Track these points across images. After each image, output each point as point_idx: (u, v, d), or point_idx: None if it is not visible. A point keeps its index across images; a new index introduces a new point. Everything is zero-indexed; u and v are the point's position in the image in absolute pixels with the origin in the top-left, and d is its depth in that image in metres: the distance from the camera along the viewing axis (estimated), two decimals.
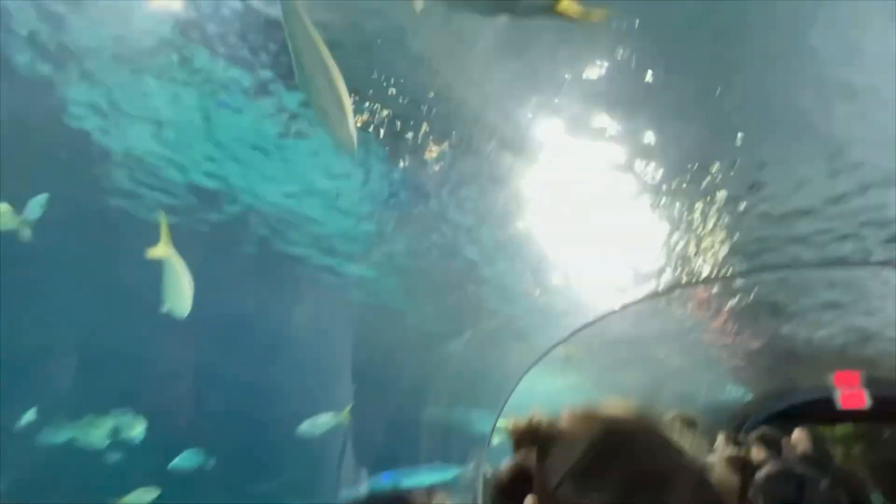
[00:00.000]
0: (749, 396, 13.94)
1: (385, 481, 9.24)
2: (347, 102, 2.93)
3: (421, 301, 11.69)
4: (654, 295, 8.79)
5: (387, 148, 6.77)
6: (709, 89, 5.01)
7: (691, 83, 5.06)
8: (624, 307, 9.11)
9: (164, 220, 3.69)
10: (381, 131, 6.36)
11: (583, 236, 7.81)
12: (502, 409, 11.46)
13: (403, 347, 13.21)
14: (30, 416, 7.48)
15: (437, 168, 6.94)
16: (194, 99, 6.03)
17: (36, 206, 5.79)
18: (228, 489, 9.88)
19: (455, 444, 11.91)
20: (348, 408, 8.67)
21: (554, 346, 10.75)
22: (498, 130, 6.12)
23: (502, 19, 4.20)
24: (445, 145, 6.51)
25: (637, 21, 4.42)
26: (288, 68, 4.04)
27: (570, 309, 9.90)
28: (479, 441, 12.09)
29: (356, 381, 12.53)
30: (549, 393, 15.76)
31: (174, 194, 7.46)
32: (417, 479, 9.35)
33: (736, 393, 14.03)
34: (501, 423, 11.93)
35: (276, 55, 5.19)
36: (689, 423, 3.73)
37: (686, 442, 0.93)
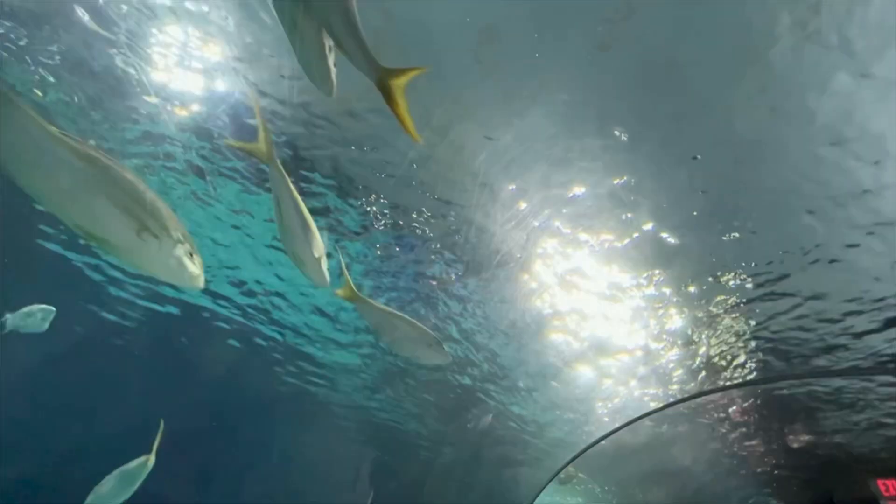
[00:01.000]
0: None
1: None
2: (321, 250, 2.98)
3: (427, 422, 10.84)
4: (674, 404, 8.10)
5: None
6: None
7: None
8: (644, 416, 8.34)
9: None
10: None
11: (595, 348, 7.37)
12: None
13: (403, 471, 12.08)
14: None
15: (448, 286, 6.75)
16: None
17: None
18: None
19: None
20: None
21: (567, 464, 9.70)
22: (504, 250, 6.01)
23: None
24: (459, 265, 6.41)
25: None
26: None
27: (584, 421, 9.08)
28: None
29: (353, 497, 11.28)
30: None
31: None
32: None
33: None
34: None
35: None
36: None
37: None
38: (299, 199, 2.79)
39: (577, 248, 5.87)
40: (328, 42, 2.41)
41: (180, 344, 8.84)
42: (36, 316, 5.53)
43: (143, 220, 2.01)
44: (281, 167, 2.68)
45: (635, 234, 5.57)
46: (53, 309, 5.61)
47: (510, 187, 5.21)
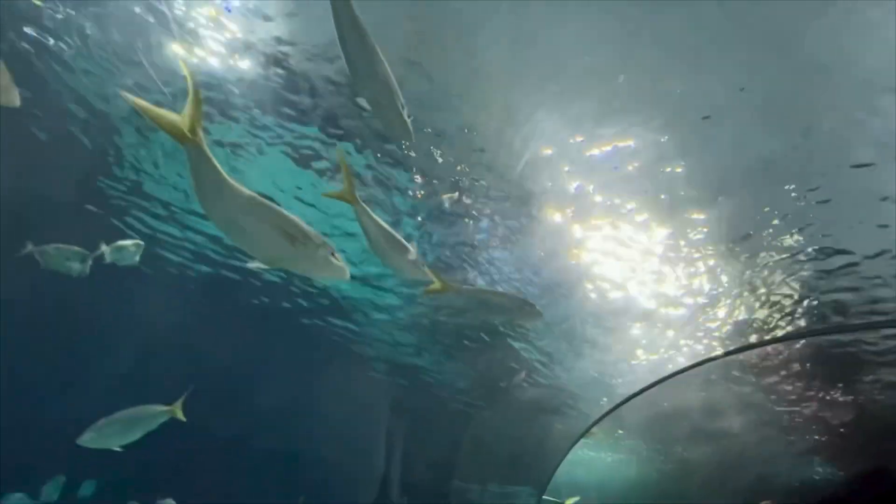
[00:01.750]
0: (840, 476, 11.92)
1: None
2: (414, 254, 3.41)
3: (454, 371, 11.09)
4: (718, 357, 7.79)
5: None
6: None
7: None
8: (683, 371, 8.08)
9: None
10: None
11: (634, 300, 7.18)
12: (545, 488, 10.21)
13: (434, 420, 12.46)
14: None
15: (480, 231, 6.76)
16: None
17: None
18: None
19: None
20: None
21: (601, 418, 9.66)
22: (547, 194, 5.91)
23: None
24: (490, 209, 6.38)
25: None
26: None
27: (619, 377, 8.96)
28: None
29: (384, 454, 11.78)
30: (598, 470, 14.18)
31: None
32: None
33: (824, 472, 12.04)
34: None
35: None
36: None
37: None
38: (383, 224, 3.43)
39: (619, 194, 5.64)
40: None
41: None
42: (129, 249, 5.84)
43: (295, 237, 2.67)
44: (364, 205, 3.30)
45: (680, 182, 5.32)
46: (143, 243, 5.90)
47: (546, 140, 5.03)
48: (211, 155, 2.37)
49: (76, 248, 5.63)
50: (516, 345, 8.90)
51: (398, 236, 3.50)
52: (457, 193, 6.07)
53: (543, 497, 10.26)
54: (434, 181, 6.00)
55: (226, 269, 8.48)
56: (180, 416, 4.55)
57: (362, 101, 3.39)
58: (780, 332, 7.12)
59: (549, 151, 5.23)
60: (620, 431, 11.31)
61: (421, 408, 11.35)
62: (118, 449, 4.50)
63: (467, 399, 11.02)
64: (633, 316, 7.55)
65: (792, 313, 6.83)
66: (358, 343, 10.03)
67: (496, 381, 10.05)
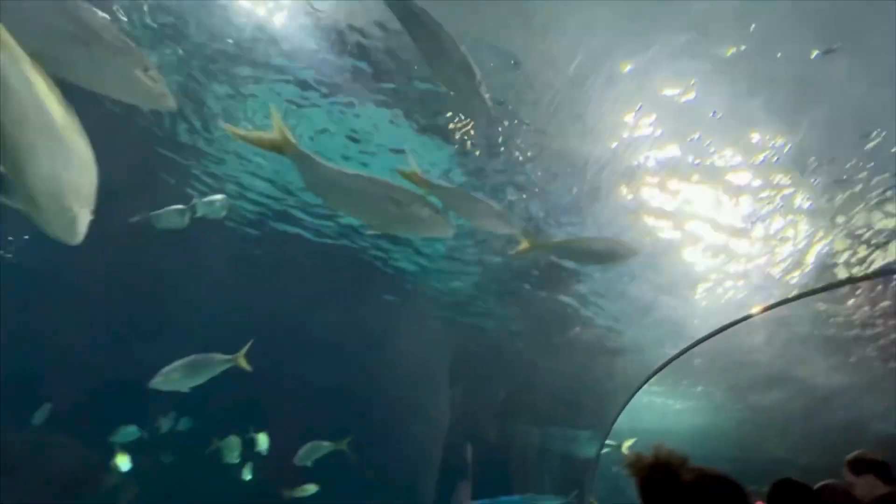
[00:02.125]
0: None
1: None
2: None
3: (513, 315, 11.23)
4: (798, 298, 7.09)
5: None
6: None
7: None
8: (763, 311, 7.41)
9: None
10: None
11: (703, 236, 6.67)
12: (609, 432, 10.24)
13: (494, 364, 12.76)
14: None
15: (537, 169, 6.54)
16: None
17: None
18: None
19: (555, 469, 11.00)
20: (347, 439, 8.51)
21: (670, 361, 9.33)
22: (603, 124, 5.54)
23: None
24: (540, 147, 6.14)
25: None
26: None
27: (687, 321, 8.53)
28: (581, 466, 11.01)
29: (445, 396, 12.38)
30: (665, 416, 13.86)
31: None
32: None
33: None
34: (618, 449, 10.71)
35: None
36: None
37: None
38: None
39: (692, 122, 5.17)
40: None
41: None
42: (216, 204, 6.25)
43: (401, 201, 2.91)
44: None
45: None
46: (227, 198, 6.32)
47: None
48: (311, 154, 2.80)
49: (176, 207, 6.09)
50: (577, 287, 8.77)
51: (479, 196, 3.65)
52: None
53: (606, 441, 10.32)
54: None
55: (284, 221, 9.05)
56: (245, 365, 4.99)
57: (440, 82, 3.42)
58: (867, 269, 6.36)
59: (605, 74, 4.89)
60: (690, 378, 10.93)
61: (482, 352, 11.65)
62: (186, 390, 4.99)
63: (527, 343, 11.13)
64: (702, 254, 7.07)
65: (881, 247, 6.05)
66: (418, 287, 10.27)
67: (556, 325, 10.04)
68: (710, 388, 11.37)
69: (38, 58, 1.82)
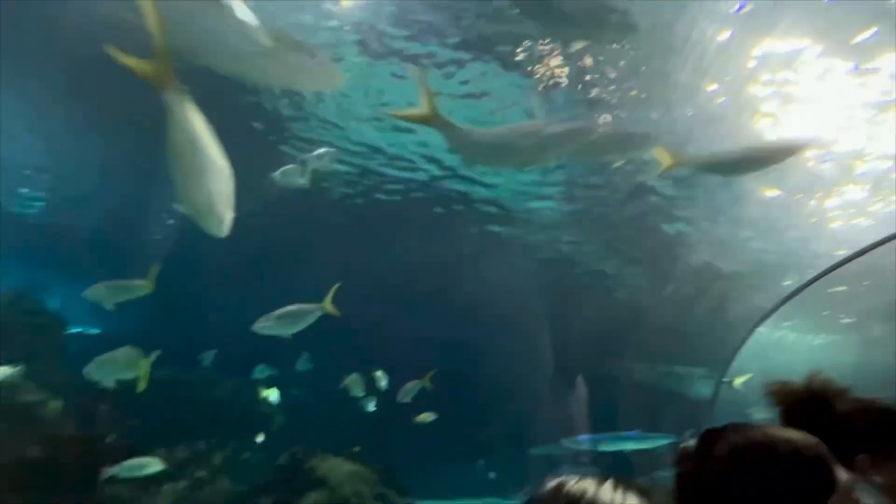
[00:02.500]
0: None
1: (583, 443, 8.79)
2: None
3: (617, 250, 10.64)
4: None
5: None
6: None
7: None
8: None
9: None
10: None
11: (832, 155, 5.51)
12: (727, 370, 9.37)
13: (599, 299, 12.35)
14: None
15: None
16: None
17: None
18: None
19: (666, 409, 10.52)
20: (431, 373, 8.71)
21: (801, 289, 8.10)
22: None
23: None
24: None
25: None
26: None
27: (817, 247, 7.19)
28: (695, 404, 10.34)
29: (552, 339, 12.41)
30: (801, 353, 12.17)
31: None
32: (619, 444, 8.57)
33: None
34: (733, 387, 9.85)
35: None
36: None
37: None
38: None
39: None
40: None
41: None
42: (325, 157, 6.56)
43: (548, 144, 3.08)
44: None
45: None
46: (335, 150, 6.62)
47: None
48: (455, 123, 3.06)
49: (291, 166, 6.49)
50: (688, 213, 7.96)
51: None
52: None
53: (724, 380, 9.50)
54: None
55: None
56: (332, 310, 5.46)
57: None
58: None
59: None
60: (832, 308, 9.42)
61: (586, 287, 11.36)
62: (287, 336, 5.57)
63: (631, 277, 10.54)
64: (834, 174, 5.90)
65: None
66: (519, 227, 10.21)
67: (664, 256, 9.32)
68: (862, 320, 9.66)
69: (236, 72, 2.46)
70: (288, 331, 5.43)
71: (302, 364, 10.42)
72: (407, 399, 8.11)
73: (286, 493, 6.34)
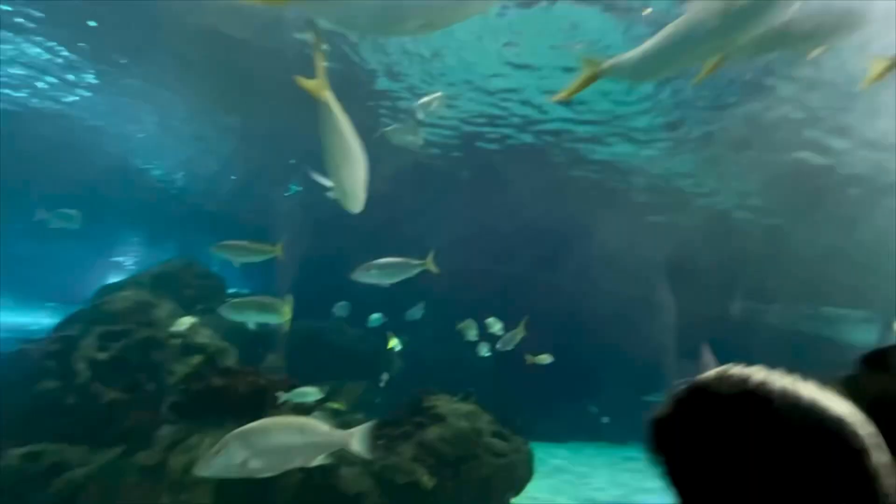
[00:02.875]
0: None
1: None
2: None
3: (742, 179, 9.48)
4: None
5: None
6: None
7: None
8: None
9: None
10: None
11: None
12: None
13: (730, 236, 11.18)
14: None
15: None
16: None
17: None
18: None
19: (812, 355, 9.31)
20: (524, 320, 8.34)
21: None
22: None
23: None
24: None
25: None
26: None
27: None
28: (850, 351, 8.90)
29: (673, 279, 11.61)
30: None
31: None
32: None
33: None
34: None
35: None
36: None
37: None
38: None
39: None
40: None
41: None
42: (433, 103, 6.47)
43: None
44: None
45: None
46: (445, 95, 6.58)
47: None
48: (616, 61, 2.97)
49: (403, 125, 6.84)
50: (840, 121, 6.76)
51: None
52: None
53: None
54: None
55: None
56: (433, 268, 5.65)
57: None
58: None
59: None
60: None
61: (719, 224, 10.43)
62: (385, 284, 5.72)
63: (771, 209, 9.38)
64: None
65: None
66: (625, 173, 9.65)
67: (804, 185, 8.10)
68: None
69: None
70: (385, 281, 5.61)
71: (416, 312, 11.27)
72: (509, 347, 8.36)
73: (411, 426, 7.01)
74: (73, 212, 9.72)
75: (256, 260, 6.27)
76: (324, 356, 12.07)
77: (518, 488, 6.82)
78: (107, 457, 5.19)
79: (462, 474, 6.22)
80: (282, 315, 5.94)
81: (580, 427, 12.99)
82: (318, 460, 3.32)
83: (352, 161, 2.74)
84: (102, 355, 7.14)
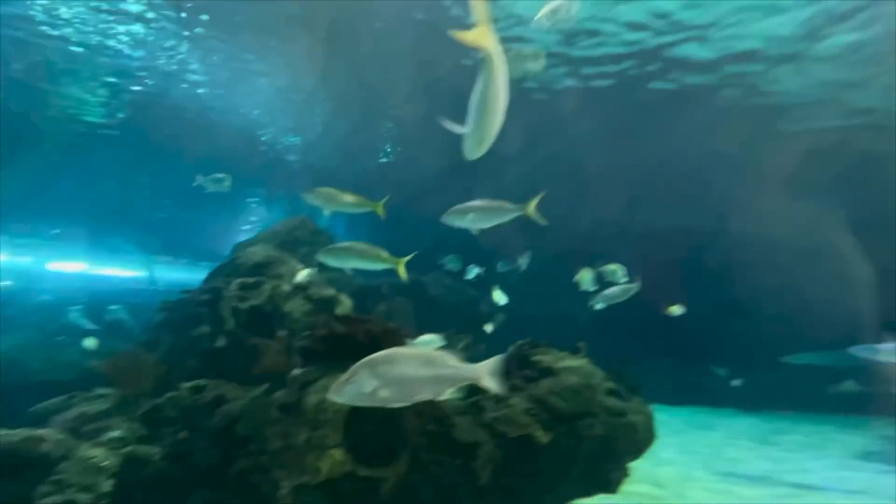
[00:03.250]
0: None
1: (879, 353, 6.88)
2: None
3: None
4: None
5: None
6: None
7: None
8: None
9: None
10: None
11: None
12: None
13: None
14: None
15: None
16: None
17: None
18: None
19: None
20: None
21: None
22: None
23: None
24: None
25: None
26: None
27: None
28: None
29: (822, 227, 9.85)
30: None
31: None
32: None
33: None
34: None
35: None
36: None
37: None
38: None
39: None
40: None
41: None
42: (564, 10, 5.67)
43: None
44: None
45: None
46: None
47: None
48: None
49: (522, 51, 6.38)
50: None
51: None
52: None
53: None
54: None
55: None
56: (535, 216, 5.07)
57: None
58: None
59: None
60: None
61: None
62: (474, 231, 5.22)
63: None
64: None
65: None
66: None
67: None
68: None
69: None
70: (477, 226, 5.08)
71: (523, 262, 11.05)
72: (621, 300, 7.67)
73: (520, 379, 6.89)
74: (224, 175, 10.60)
75: (348, 211, 6.24)
76: (425, 309, 12.48)
77: (639, 451, 6.45)
78: (254, 394, 5.87)
79: (578, 431, 6.01)
80: (380, 262, 5.93)
81: (700, 390, 11.96)
82: (447, 394, 3.19)
83: (496, 113, 2.73)
84: (243, 304, 8.05)
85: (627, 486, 6.45)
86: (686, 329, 9.60)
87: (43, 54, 11.22)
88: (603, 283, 8.83)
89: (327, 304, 8.42)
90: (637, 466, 6.59)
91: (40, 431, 5.10)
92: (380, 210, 6.15)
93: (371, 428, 5.48)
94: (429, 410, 5.83)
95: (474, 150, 2.91)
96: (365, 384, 3.07)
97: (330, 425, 5.36)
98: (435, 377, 3.14)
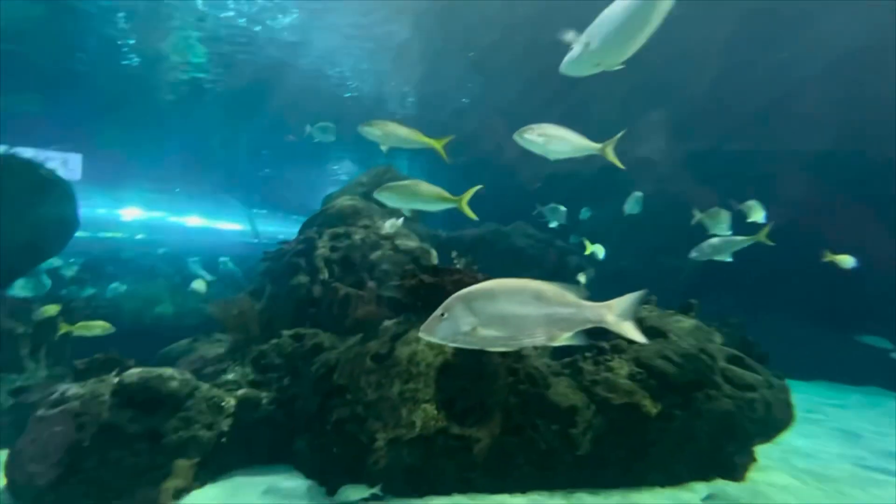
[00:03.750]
0: None
1: None
2: None
3: None
4: None
5: None
6: None
7: None
8: None
9: None
10: None
11: None
12: None
13: None
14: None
15: None
16: None
17: None
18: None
19: None
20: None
21: None
22: None
23: None
24: None
25: None
26: None
27: None
28: None
29: None
30: None
31: None
32: None
33: None
34: None
35: None
36: None
37: None
38: None
39: None
40: None
41: None
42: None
43: None
44: None
45: None
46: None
47: None
48: None
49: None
50: None
51: None
52: None
53: None
54: None
55: None
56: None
57: None
58: None
59: None
60: None
61: None
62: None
63: None
64: None
65: None
66: None
67: None
68: None
69: None
70: (553, 152, 4.30)
71: (583, 213, 10.25)
72: (706, 258, 6.27)
73: (621, 339, 6.23)
74: (330, 125, 10.40)
75: (405, 147, 5.71)
76: (512, 261, 12.03)
77: (771, 434, 5.56)
78: (349, 343, 5.93)
79: (695, 404, 5.31)
80: (441, 201, 5.41)
81: (841, 363, 10.13)
82: (564, 339, 2.45)
83: (642, 38, 2.75)
84: (334, 255, 8.18)
85: (755, 474, 5.62)
86: (828, 284, 8.02)
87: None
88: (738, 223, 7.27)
89: (414, 255, 8.29)
90: (766, 451, 5.70)
91: (170, 370, 5.59)
92: (440, 149, 5.56)
93: (462, 383, 5.30)
94: (521, 368, 5.50)
95: (610, 62, 2.81)
96: (461, 321, 2.46)
97: (422, 378, 5.26)
98: (548, 316, 2.44)
